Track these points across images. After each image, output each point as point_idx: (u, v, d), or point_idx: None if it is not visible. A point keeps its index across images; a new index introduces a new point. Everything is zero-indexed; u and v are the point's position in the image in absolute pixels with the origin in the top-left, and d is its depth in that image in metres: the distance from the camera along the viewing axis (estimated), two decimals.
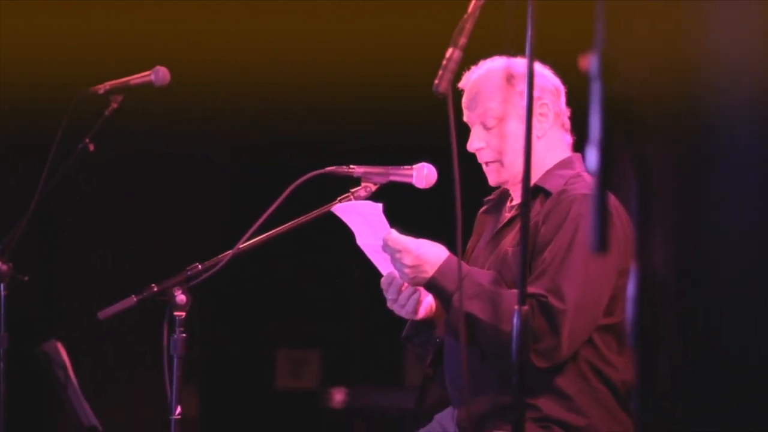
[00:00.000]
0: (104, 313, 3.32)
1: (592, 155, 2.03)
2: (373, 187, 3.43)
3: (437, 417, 3.51)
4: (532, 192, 3.32)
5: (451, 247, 3.19)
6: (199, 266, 3.35)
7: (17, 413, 4.19)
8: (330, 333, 7.22)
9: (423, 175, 3.43)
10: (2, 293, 3.90)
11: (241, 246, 3.35)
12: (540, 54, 2.80)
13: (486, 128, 3.41)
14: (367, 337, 7.09)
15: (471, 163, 3.42)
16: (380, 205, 3.26)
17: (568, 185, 3.31)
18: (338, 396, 6.38)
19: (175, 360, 3.30)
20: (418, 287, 3.31)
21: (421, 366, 3.64)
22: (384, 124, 6.08)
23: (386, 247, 3.24)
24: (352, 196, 3.40)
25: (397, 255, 3.22)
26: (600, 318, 3.23)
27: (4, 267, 3.90)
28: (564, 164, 3.42)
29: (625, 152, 2.05)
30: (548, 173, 3.39)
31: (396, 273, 3.28)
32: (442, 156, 3.00)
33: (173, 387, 3.30)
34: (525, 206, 2.62)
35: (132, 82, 3.78)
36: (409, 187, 3.45)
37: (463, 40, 2.73)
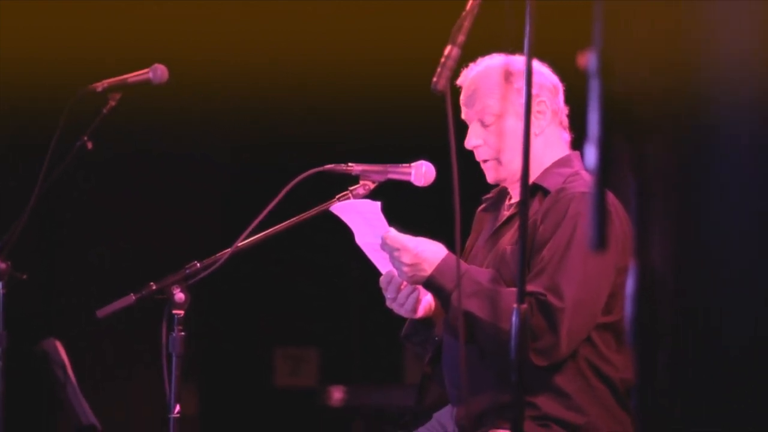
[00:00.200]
0: (103, 312, 3.32)
1: (591, 153, 2.03)
2: (372, 186, 3.42)
3: (436, 415, 3.50)
4: (531, 190, 3.32)
5: (449, 245, 3.18)
6: (198, 264, 3.35)
7: (16, 412, 4.18)
8: (329, 331, 7.22)
9: (422, 173, 3.43)
10: (1, 291, 3.90)
11: (239, 244, 3.35)
12: (538, 52, 2.80)
13: (484, 125, 3.41)
14: (366, 336, 7.09)
15: (470, 161, 3.41)
16: (379, 204, 3.26)
17: (567, 183, 3.31)
18: (337, 394, 6.37)
19: (174, 358, 3.30)
20: (417, 286, 3.30)
21: (420, 364, 3.64)
22: (383, 123, 6.08)
23: (385, 245, 3.24)
24: (350, 195, 3.40)
25: (396, 253, 3.22)
26: (599, 316, 3.23)
27: (3, 265, 3.90)
28: (562, 162, 3.41)
29: (624, 151, 2.05)
30: (547, 171, 3.39)
31: (395, 271, 3.28)
32: (440, 154, 2.99)
33: (172, 385, 3.29)
34: (524, 204, 2.61)
35: (130, 79, 3.79)
36: (408, 185, 3.44)
37: (461, 38, 2.73)
